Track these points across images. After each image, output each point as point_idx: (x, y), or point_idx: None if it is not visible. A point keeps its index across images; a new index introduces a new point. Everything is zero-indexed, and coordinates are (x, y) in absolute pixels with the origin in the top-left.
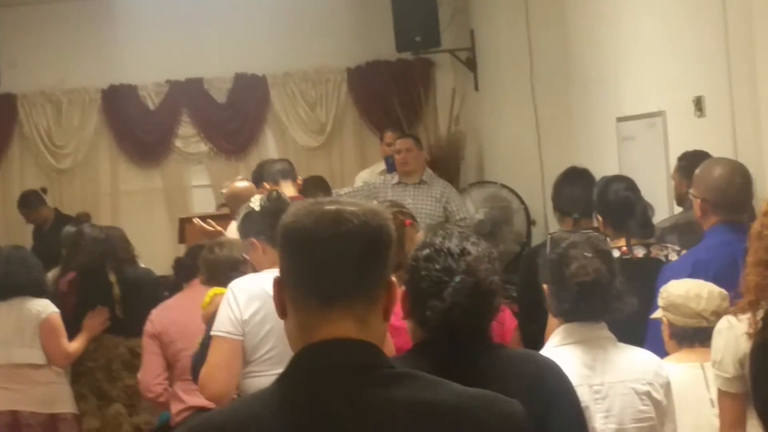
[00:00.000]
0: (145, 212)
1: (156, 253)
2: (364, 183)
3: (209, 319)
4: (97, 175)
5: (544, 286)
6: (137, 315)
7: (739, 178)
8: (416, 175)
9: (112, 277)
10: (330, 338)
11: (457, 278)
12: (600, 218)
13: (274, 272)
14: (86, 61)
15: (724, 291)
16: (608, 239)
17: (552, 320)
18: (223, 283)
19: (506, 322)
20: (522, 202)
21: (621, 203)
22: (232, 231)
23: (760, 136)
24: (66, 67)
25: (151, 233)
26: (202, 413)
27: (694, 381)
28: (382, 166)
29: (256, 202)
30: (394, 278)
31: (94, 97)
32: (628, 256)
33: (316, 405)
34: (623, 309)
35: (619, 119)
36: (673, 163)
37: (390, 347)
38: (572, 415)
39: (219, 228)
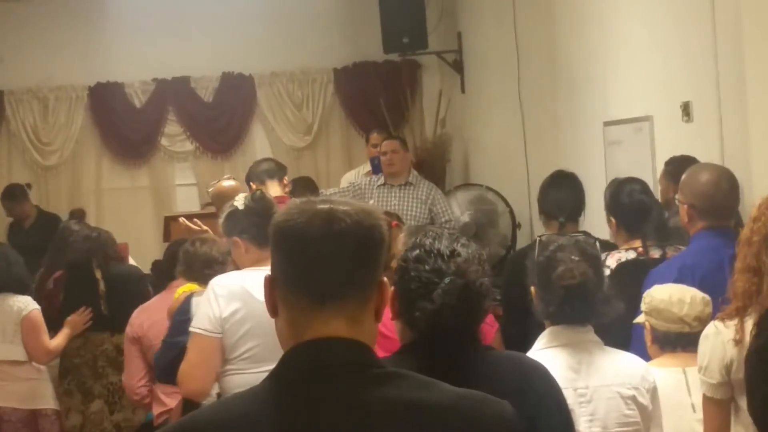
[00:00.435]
0: (130, 210)
1: (141, 252)
2: (350, 184)
3: (175, 315)
4: (82, 172)
5: (532, 289)
6: (123, 311)
7: (726, 184)
8: (402, 177)
9: (98, 274)
10: (321, 337)
11: (447, 279)
12: (613, 220)
13: (257, 271)
14: (73, 59)
15: (707, 296)
16: (606, 242)
17: None
18: (197, 279)
19: (487, 324)
20: (507, 205)
21: (637, 206)
22: None
23: (747, 142)
24: (53, 64)
25: (136, 231)
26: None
27: (676, 386)
28: (368, 167)
29: (239, 201)
30: (385, 278)
31: (80, 94)
32: (644, 257)
33: (307, 403)
34: (610, 313)
35: (606, 123)
36: (660, 167)
37: None
38: (560, 419)
39: (205, 227)
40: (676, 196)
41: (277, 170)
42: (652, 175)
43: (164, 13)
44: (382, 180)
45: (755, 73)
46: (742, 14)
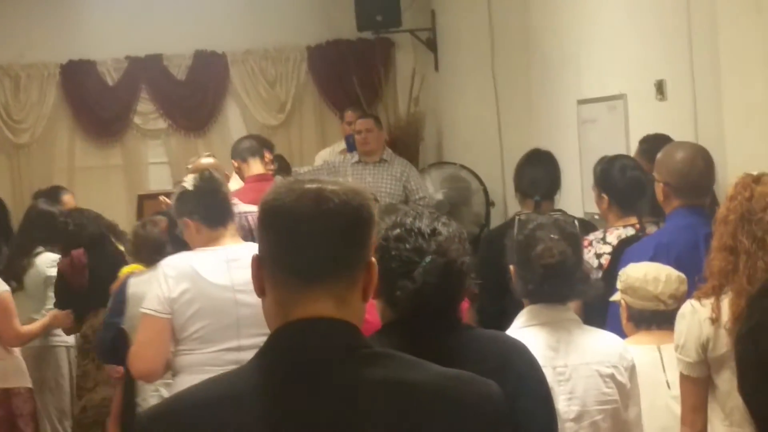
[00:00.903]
0: (103, 188)
1: None
2: (324, 162)
3: (113, 296)
4: (55, 150)
5: (511, 267)
6: None
7: (702, 162)
8: (376, 155)
9: (120, 245)
10: (309, 317)
11: (428, 258)
12: (605, 197)
13: (207, 251)
14: (45, 36)
15: (682, 275)
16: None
17: None
18: (145, 261)
19: None
20: (481, 183)
21: (632, 183)
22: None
23: (721, 120)
24: (25, 41)
25: (109, 210)
26: None
27: (651, 363)
28: (342, 145)
29: (189, 182)
30: (373, 258)
31: (52, 72)
32: (641, 234)
33: (294, 383)
34: (589, 291)
35: (580, 102)
36: (634, 146)
37: None
38: (540, 397)
39: None
40: (652, 175)
41: (259, 148)
42: (626, 154)
43: None
44: (356, 158)
45: (729, 50)
46: None
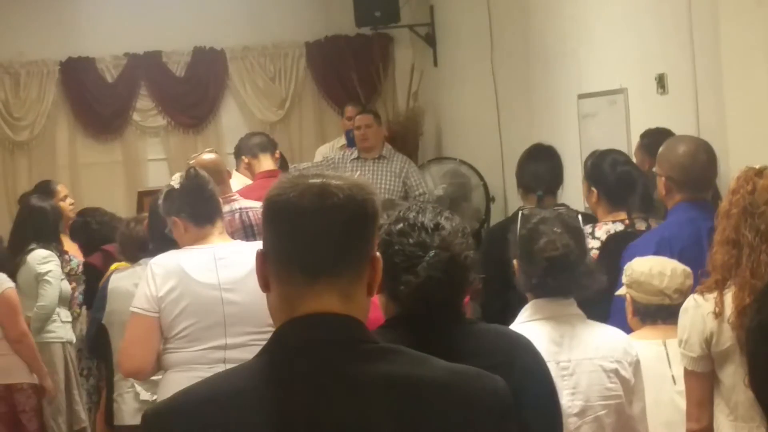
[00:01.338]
0: (103, 185)
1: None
2: (324, 158)
3: (98, 292)
4: (55, 147)
5: (514, 262)
6: None
7: (704, 156)
8: (375, 151)
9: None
10: (314, 312)
11: (432, 253)
12: (595, 190)
13: (195, 249)
14: (45, 33)
15: (687, 269)
16: (587, 215)
17: None
18: (131, 259)
19: None
20: (481, 178)
21: (622, 178)
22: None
23: (723, 114)
24: (24, 39)
25: (109, 206)
26: None
27: (656, 358)
28: (342, 140)
29: (176, 181)
30: (378, 253)
31: (52, 69)
32: (631, 229)
33: (300, 379)
34: (593, 285)
35: (581, 96)
36: (635, 140)
37: None
38: (545, 392)
39: None
40: (654, 169)
41: (269, 143)
42: (627, 148)
43: None
44: (356, 154)
45: (730, 43)
46: None
